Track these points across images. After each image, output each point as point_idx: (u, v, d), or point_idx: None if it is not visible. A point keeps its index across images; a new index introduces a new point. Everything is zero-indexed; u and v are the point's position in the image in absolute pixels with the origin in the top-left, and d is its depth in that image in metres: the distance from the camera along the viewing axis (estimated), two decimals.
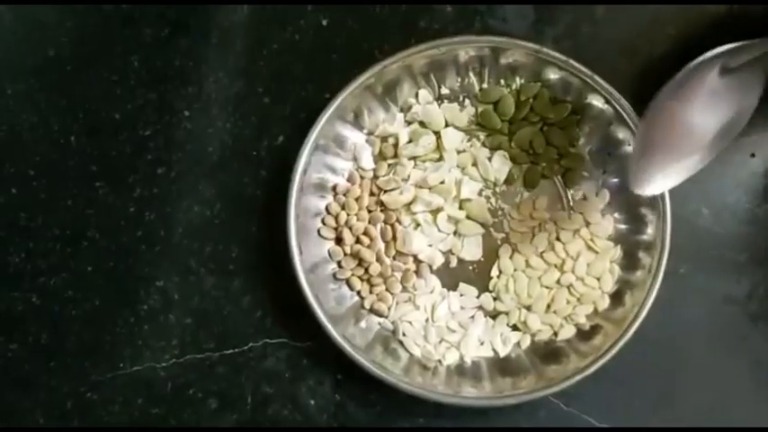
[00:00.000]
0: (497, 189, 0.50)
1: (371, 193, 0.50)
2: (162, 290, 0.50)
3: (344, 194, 0.49)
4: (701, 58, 0.36)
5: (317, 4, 0.52)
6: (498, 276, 0.49)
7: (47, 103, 0.52)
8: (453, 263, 0.49)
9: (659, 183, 0.41)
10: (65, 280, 0.51)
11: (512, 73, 0.49)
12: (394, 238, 0.49)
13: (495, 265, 0.49)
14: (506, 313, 0.48)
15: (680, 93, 0.36)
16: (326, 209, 0.50)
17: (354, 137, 0.50)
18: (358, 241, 0.49)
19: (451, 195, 0.49)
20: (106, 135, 0.52)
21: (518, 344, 0.48)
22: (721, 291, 0.49)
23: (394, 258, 0.49)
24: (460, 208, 0.49)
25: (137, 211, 0.51)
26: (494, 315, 0.49)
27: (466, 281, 0.49)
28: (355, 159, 0.50)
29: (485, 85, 0.50)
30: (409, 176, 0.49)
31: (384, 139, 0.50)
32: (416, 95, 0.50)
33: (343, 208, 0.49)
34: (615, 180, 0.48)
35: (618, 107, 0.46)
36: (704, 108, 0.37)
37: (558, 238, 0.49)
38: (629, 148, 0.47)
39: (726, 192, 0.50)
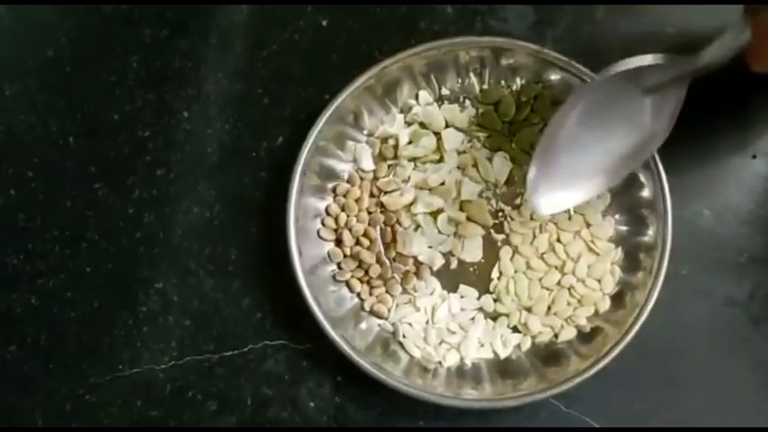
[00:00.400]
0: (498, 190, 0.50)
1: (371, 195, 0.49)
2: (161, 291, 0.50)
3: (344, 196, 0.49)
4: (607, 72, 0.31)
5: (316, 5, 0.52)
6: (499, 278, 0.49)
7: (45, 103, 0.52)
8: (453, 264, 0.49)
9: (558, 202, 0.38)
10: (63, 281, 0.50)
11: (512, 74, 0.49)
12: (394, 239, 0.49)
13: (496, 266, 0.49)
14: (507, 315, 0.48)
15: (583, 108, 0.32)
16: (326, 210, 0.49)
17: (354, 138, 0.50)
18: (358, 243, 0.49)
19: (452, 197, 0.49)
20: (105, 136, 0.51)
21: (518, 345, 0.48)
22: (722, 292, 0.49)
23: (394, 260, 0.49)
24: (461, 209, 0.49)
25: (136, 212, 0.51)
26: (494, 317, 0.49)
27: (466, 282, 0.49)
28: (355, 161, 0.50)
29: (485, 86, 0.50)
30: (409, 178, 0.49)
31: (384, 140, 0.50)
32: (416, 96, 0.50)
33: (342, 209, 0.49)
34: None
35: None
36: (610, 126, 0.33)
37: (558, 240, 0.49)
38: None
39: (727, 193, 0.50)
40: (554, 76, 0.48)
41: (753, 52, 0.32)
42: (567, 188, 0.37)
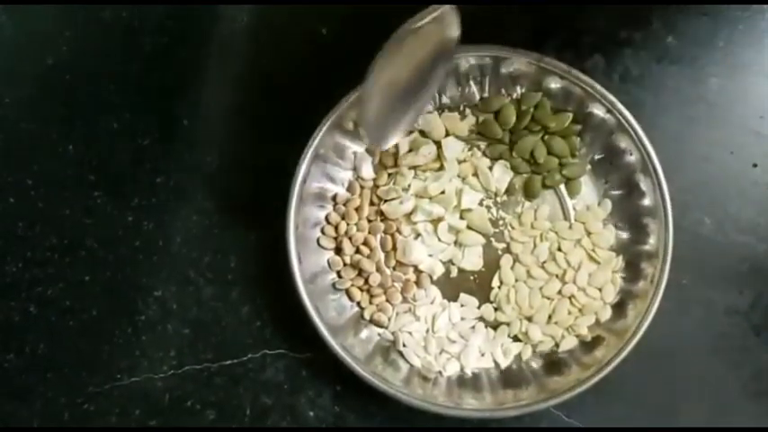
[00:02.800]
0: (498, 199, 0.50)
1: (371, 203, 0.49)
2: (160, 300, 0.50)
3: (344, 204, 0.49)
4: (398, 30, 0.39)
5: (316, 14, 0.52)
6: (499, 287, 0.49)
7: (45, 111, 0.52)
8: (454, 273, 0.49)
9: (391, 135, 0.43)
10: (62, 290, 0.50)
11: (513, 82, 0.49)
12: (394, 248, 0.49)
13: (496, 275, 0.49)
14: (507, 324, 0.48)
15: (382, 59, 0.39)
16: (326, 219, 0.49)
17: (354, 146, 0.49)
18: (358, 251, 0.49)
19: (452, 205, 0.49)
20: (105, 144, 0.51)
21: (519, 355, 0.48)
22: (724, 301, 0.49)
23: (394, 268, 0.49)
24: (461, 218, 0.49)
25: (135, 220, 0.51)
26: (495, 326, 0.49)
27: (467, 291, 0.49)
28: (355, 169, 0.50)
29: (485, 95, 0.50)
30: (409, 186, 0.49)
31: None
32: None
33: (342, 218, 0.49)
34: (617, 189, 0.48)
35: (619, 116, 0.46)
36: (399, 65, 0.40)
37: (559, 249, 0.48)
38: (630, 158, 0.47)
39: (727, 201, 0.50)
40: (554, 85, 0.48)
41: None
42: (395, 120, 0.43)
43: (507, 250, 0.49)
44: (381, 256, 0.49)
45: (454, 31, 0.40)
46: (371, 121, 0.41)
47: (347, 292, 0.49)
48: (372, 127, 0.41)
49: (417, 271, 0.49)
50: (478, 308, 0.49)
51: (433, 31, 0.40)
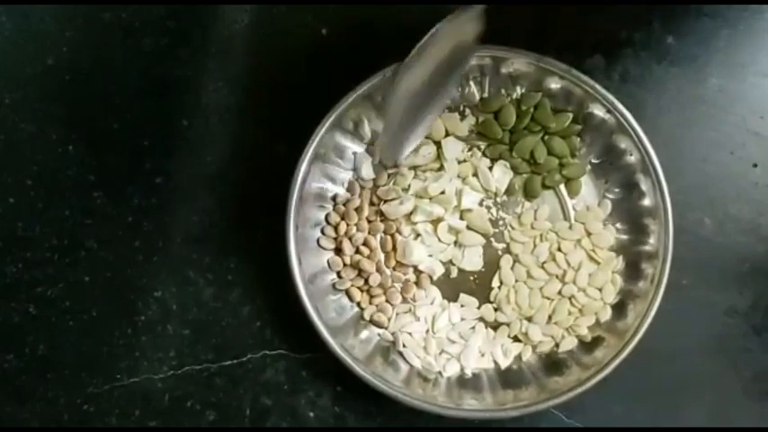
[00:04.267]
0: (498, 199, 0.49)
1: (371, 203, 0.49)
2: (160, 300, 0.50)
3: (344, 204, 0.49)
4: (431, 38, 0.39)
5: (316, 13, 0.52)
6: (499, 287, 0.49)
7: (45, 112, 0.52)
8: (454, 273, 0.49)
9: (406, 148, 0.44)
10: (62, 290, 0.50)
11: (513, 82, 0.49)
12: (394, 248, 0.49)
13: (496, 275, 0.49)
14: (507, 324, 0.48)
15: (405, 71, 0.39)
16: (326, 219, 0.49)
17: (354, 146, 0.49)
18: (358, 251, 0.49)
19: (452, 205, 0.49)
20: (105, 145, 0.51)
21: (519, 355, 0.48)
22: (724, 302, 0.49)
23: (394, 269, 0.49)
24: (461, 218, 0.49)
25: (135, 220, 0.51)
26: (495, 326, 0.49)
27: (466, 292, 0.49)
28: (355, 169, 0.50)
29: (485, 95, 0.49)
30: (409, 186, 0.49)
31: None
32: None
33: (342, 218, 0.49)
34: (617, 190, 0.48)
35: (619, 117, 0.46)
36: (417, 75, 0.40)
37: (559, 249, 0.48)
38: (631, 158, 0.47)
39: (728, 201, 0.49)
40: (554, 85, 0.48)
41: None
42: (410, 132, 0.43)
43: (507, 250, 0.49)
44: (381, 256, 0.49)
45: (470, 31, 0.39)
46: (393, 136, 0.40)
47: (347, 292, 0.49)
48: (393, 143, 0.41)
49: (417, 271, 0.49)
50: (478, 308, 0.49)
51: (449, 34, 0.39)
